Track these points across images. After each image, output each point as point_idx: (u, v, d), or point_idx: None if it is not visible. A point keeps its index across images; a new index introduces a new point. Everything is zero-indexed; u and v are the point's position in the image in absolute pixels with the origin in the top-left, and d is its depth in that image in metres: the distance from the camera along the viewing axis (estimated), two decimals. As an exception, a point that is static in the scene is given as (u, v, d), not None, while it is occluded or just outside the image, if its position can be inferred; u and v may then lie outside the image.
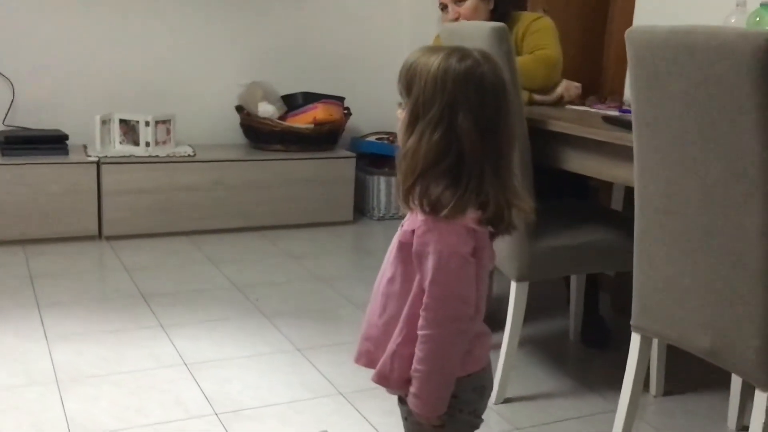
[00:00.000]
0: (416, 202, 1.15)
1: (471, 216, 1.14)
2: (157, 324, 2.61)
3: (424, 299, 1.15)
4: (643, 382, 1.84)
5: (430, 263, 1.14)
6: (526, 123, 2.03)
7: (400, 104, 1.21)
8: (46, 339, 2.44)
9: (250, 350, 2.45)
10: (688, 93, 1.51)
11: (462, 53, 1.15)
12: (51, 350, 2.36)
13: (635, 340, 1.78)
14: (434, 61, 1.14)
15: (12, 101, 3.61)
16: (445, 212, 1.13)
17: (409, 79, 1.17)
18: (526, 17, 2.61)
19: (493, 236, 1.20)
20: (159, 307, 2.75)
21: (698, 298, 1.59)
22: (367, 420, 2.03)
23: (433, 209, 1.13)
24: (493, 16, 2.55)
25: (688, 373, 2.32)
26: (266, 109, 3.86)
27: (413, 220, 1.17)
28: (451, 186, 1.13)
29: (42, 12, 3.64)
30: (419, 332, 1.16)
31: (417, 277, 1.17)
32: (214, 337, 2.53)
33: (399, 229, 1.22)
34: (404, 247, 1.18)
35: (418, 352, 1.16)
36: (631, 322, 1.77)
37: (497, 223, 1.18)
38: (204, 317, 2.70)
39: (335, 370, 2.31)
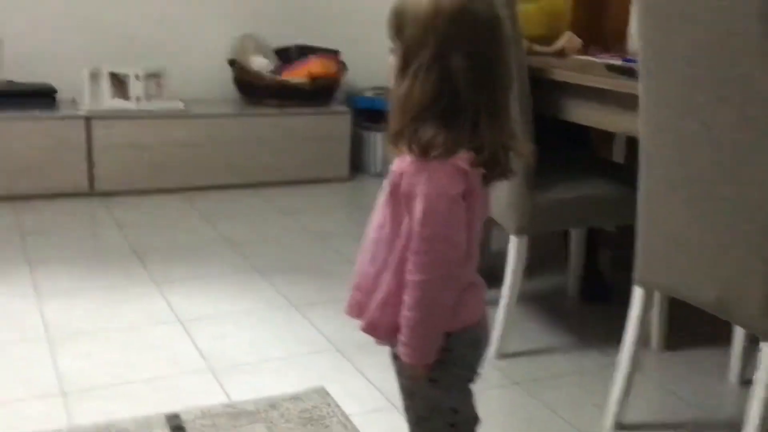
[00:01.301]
0: (406, 145, 1.10)
1: (463, 157, 1.09)
2: (150, 280, 2.57)
3: (412, 243, 1.10)
4: (644, 336, 1.81)
5: (418, 205, 1.09)
6: (527, 70, 1.97)
7: (391, 50, 1.15)
8: (37, 296, 2.40)
9: (245, 306, 2.42)
10: (696, 38, 1.45)
11: None
12: (42, 307, 2.32)
13: (638, 293, 1.74)
14: (424, 1, 1.08)
15: (0, 55, 3.52)
16: (435, 153, 1.08)
17: (398, 23, 1.12)
18: None
19: (488, 180, 1.15)
20: (152, 264, 2.71)
21: (704, 250, 1.55)
22: (363, 375, 2.00)
23: (423, 151, 1.09)
24: None
25: (690, 327, 2.30)
26: (259, 63, 3.77)
27: (402, 161, 1.12)
28: (444, 128, 1.09)
29: (27, -38, 3.53)
30: (408, 278, 1.12)
31: (406, 221, 1.13)
32: (209, 294, 2.49)
33: (389, 175, 1.17)
34: (393, 190, 1.14)
35: (407, 298, 1.12)
36: (634, 276, 1.74)
37: (492, 166, 1.13)
38: (198, 274, 2.66)
39: (331, 325, 2.28)
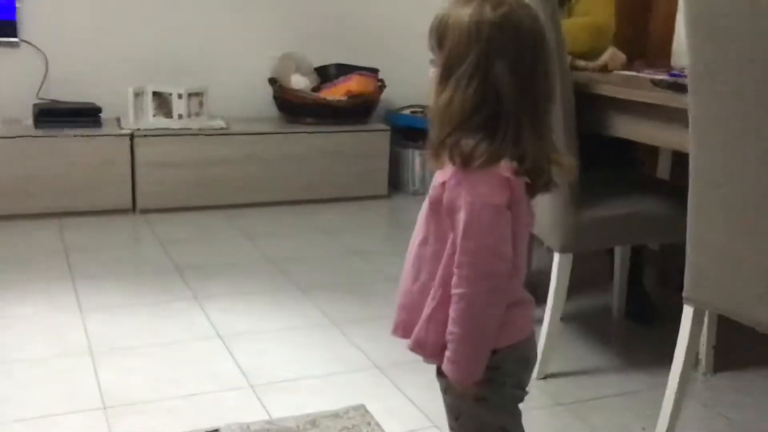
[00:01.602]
0: (447, 155, 1.09)
1: (506, 166, 1.07)
2: (192, 297, 2.58)
3: (457, 255, 1.09)
4: (694, 358, 1.76)
5: (461, 216, 1.07)
6: (571, 84, 1.94)
7: (432, 61, 1.14)
8: (80, 311, 2.43)
9: (285, 323, 2.41)
10: (749, 50, 1.41)
11: (495, 0, 1.09)
12: (85, 322, 2.35)
13: (687, 312, 1.69)
14: (467, 11, 1.08)
15: (46, 74, 3.60)
16: (477, 163, 1.06)
17: (440, 33, 1.11)
18: None
19: (531, 191, 1.13)
20: (193, 280, 2.72)
21: (756, 267, 1.50)
22: (404, 393, 1.97)
23: (465, 161, 1.07)
24: None
25: (740, 349, 2.23)
26: (299, 81, 3.80)
27: (444, 173, 1.11)
28: (487, 138, 1.07)
29: (74, -16, 3.61)
30: (453, 291, 1.09)
31: (450, 235, 1.11)
32: (249, 310, 2.49)
33: (430, 189, 1.15)
34: (435, 203, 1.12)
35: (453, 312, 1.10)
36: (684, 294, 1.69)
37: (536, 175, 1.11)
38: (238, 290, 2.66)
39: (371, 343, 2.26)
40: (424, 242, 1.17)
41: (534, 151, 1.09)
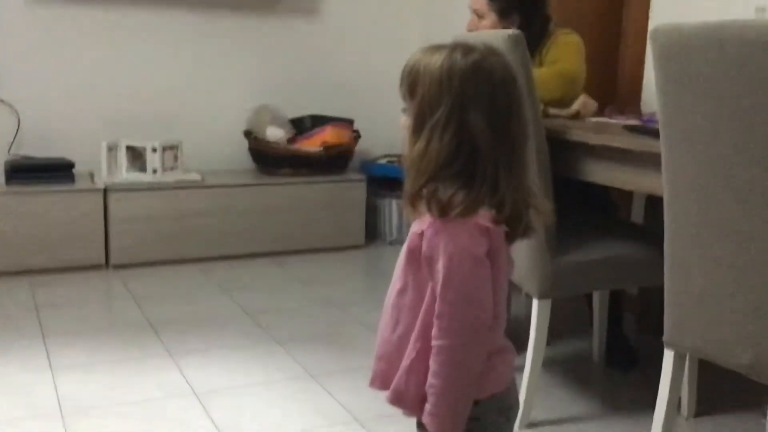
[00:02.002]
0: (425, 206, 1.08)
1: (484, 215, 1.06)
2: (166, 353, 2.52)
3: (437, 306, 1.07)
4: (677, 402, 1.74)
5: (440, 267, 1.06)
6: (543, 130, 1.96)
7: (404, 110, 1.14)
8: (51, 370, 2.36)
9: (262, 378, 2.36)
10: (719, 91, 1.43)
11: (466, 48, 1.09)
12: (56, 381, 2.28)
13: (668, 356, 1.68)
14: (437, 59, 1.08)
15: (18, 130, 3.57)
16: (455, 212, 1.05)
17: (412, 81, 1.10)
18: (555, 33, 2.59)
19: (510, 238, 1.12)
20: (168, 336, 2.67)
21: (737, 310, 1.49)
22: (385, 448, 1.93)
23: (442, 211, 1.06)
24: None
25: (721, 392, 2.21)
26: (274, 133, 3.81)
27: (421, 223, 1.10)
28: (463, 187, 1.06)
29: (47, 40, 3.61)
30: (433, 343, 1.07)
31: (429, 285, 1.09)
32: (225, 365, 2.44)
33: (408, 238, 1.14)
34: (413, 253, 1.10)
35: (433, 364, 1.07)
36: (664, 338, 1.68)
37: (515, 223, 1.10)
38: (214, 345, 2.61)
39: (351, 396, 2.21)
40: (402, 291, 1.15)
41: (512, 198, 1.08)
